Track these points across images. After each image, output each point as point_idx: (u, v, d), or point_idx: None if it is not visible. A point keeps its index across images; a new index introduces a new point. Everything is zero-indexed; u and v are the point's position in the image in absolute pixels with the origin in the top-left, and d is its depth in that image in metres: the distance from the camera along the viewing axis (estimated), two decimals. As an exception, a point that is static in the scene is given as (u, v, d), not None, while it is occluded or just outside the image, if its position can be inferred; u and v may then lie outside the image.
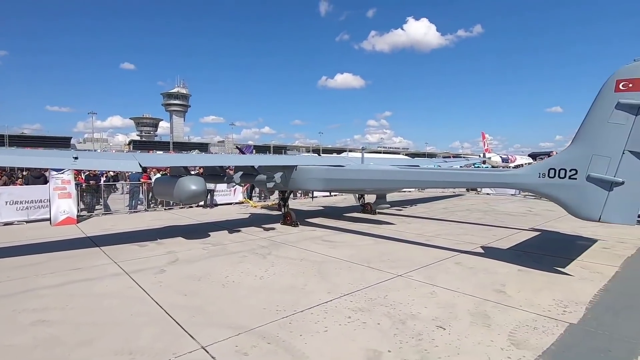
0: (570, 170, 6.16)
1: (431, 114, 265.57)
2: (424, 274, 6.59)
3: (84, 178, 14.32)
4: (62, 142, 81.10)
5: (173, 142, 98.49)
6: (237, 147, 14.52)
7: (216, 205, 17.78)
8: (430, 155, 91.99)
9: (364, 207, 15.02)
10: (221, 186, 17.37)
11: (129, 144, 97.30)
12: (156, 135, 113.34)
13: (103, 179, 15.41)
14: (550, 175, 6.37)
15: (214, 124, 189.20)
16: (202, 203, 17.43)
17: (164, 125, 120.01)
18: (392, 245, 9.00)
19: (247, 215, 14.58)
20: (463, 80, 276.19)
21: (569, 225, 11.18)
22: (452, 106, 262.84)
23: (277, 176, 10.20)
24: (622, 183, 5.68)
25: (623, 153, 5.70)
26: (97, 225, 12.20)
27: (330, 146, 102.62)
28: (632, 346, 3.98)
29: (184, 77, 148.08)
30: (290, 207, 12.43)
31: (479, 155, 47.70)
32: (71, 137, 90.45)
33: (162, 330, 4.33)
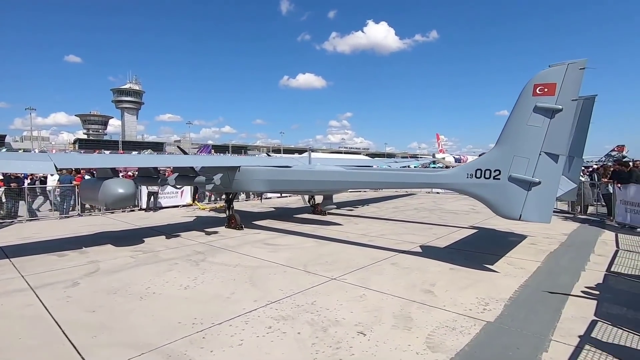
0: (494, 171, 6.37)
1: (391, 115, 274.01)
2: (358, 276, 6.52)
3: (2, 181, 12.86)
4: (-4, 140, 73.74)
5: (126, 142, 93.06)
6: (179, 148, 13.68)
7: (161, 208, 16.82)
8: (390, 155, 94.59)
9: (315, 208, 14.89)
10: (168, 188, 16.44)
11: (74, 142, 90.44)
12: (105, 134, 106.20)
13: (27, 181, 13.95)
14: (477, 176, 6.56)
15: (170, 123, 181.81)
16: (144, 206, 16.45)
17: (115, 124, 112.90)
18: (334, 247, 8.90)
19: (192, 219, 13.88)
20: (420, 83, 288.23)
21: (504, 222, 11.69)
22: (410, 108, 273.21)
23: (217, 178, 9.74)
24: (539, 183, 5.95)
25: (540, 154, 5.97)
26: (17, 233, 10.99)
27: (292, 146, 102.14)
28: (540, 341, 4.11)
29: (137, 73, 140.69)
30: (239, 209, 11.99)
31: (432, 155, 49.63)
32: (6, 135, 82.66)
33: (51, 356, 3.82)
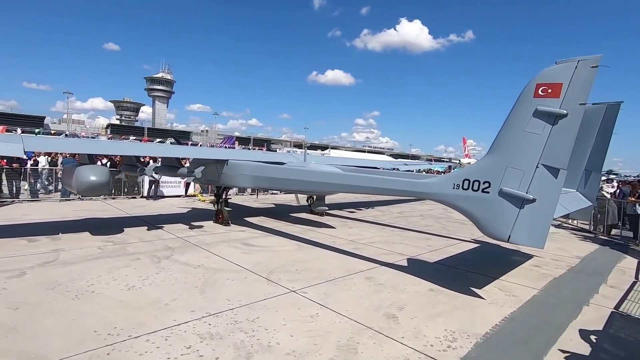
0: (483, 183, 5.50)
1: (419, 117, 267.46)
2: (321, 291, 5.86)
3: (3, 159, 13.09)
4: (36, 121, 77.78)
5: (154, 129, 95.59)
6: (173, 137, 13.33)
7: (162, 197, 16.75)
8: (414, 157, 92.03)
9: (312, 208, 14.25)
10: (169, 178, 16.32)
11: (107, 127, 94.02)
12: (136, 120, 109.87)
13: (30, 162, 14.18)
14: (464, 187, 5.70)
15: (200, 113, 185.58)
16: (145, 194, 16.43)
17: (147, 111, 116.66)
18: (313, 253, 8.26)
19: (185, 211, 13.63)
20: (452, 85, 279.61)
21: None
22: (439, 110, 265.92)
23: (198, 171, 9.30)
24: (534, 200, 5.04)
25: (537, 167, 5.06)
26: (6, 214, 11.08)
27: (317, 142, 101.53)
28: (500, 400, 3.33)
29: (170, 63, 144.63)
30: (238, 203, 11.53)
31: (449, 160, 47.62)
32: (45, 117, 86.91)
33: None
